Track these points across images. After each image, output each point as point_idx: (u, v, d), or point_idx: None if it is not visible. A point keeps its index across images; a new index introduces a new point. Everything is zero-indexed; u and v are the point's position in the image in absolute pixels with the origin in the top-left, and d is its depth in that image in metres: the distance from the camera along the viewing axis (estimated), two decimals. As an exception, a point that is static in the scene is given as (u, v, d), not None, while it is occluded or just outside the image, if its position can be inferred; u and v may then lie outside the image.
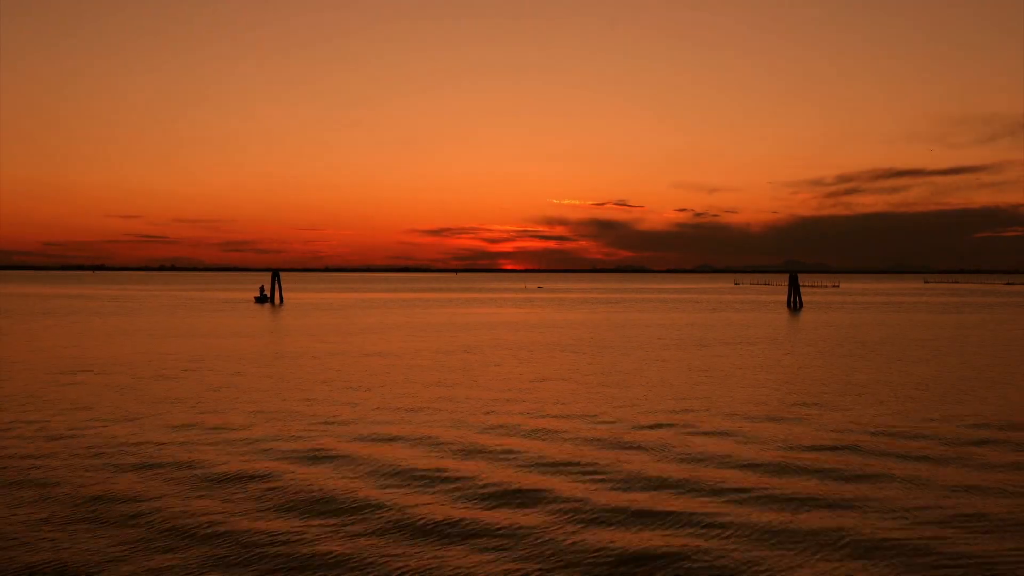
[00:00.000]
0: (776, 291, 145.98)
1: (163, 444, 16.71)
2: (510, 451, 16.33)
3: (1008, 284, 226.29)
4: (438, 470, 14.72)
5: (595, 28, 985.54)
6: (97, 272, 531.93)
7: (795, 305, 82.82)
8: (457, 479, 14.13)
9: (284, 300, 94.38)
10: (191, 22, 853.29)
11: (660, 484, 13.84)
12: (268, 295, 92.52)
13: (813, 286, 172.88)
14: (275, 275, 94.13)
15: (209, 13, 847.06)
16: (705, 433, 18.13)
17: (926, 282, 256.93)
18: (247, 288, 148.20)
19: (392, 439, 17.35)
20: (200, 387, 24.75)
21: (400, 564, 10.26)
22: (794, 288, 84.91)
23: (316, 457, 15.69)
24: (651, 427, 18.75)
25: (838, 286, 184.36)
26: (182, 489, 13.45)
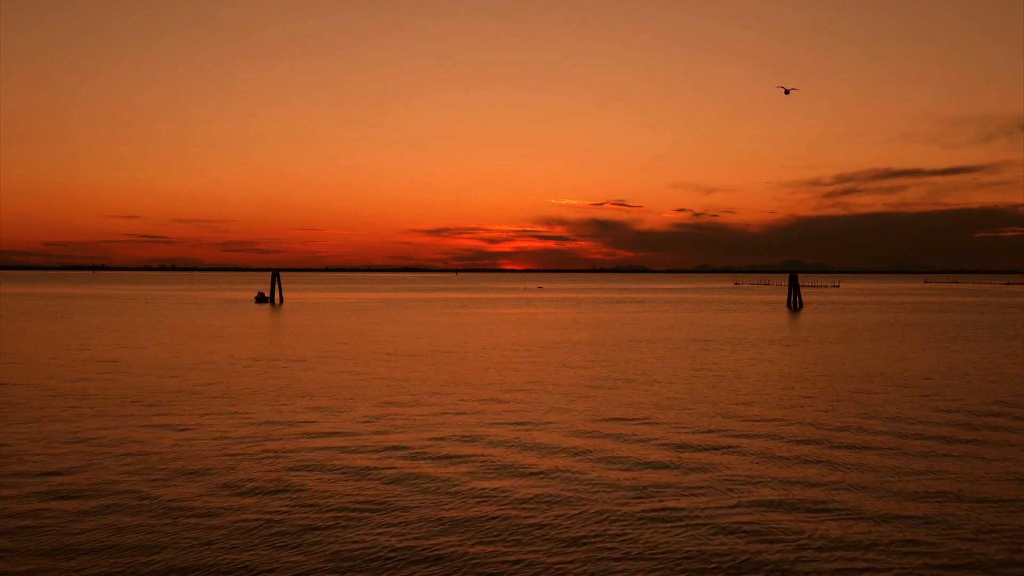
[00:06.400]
0: (776, 291, 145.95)
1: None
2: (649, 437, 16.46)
3: (1008, 284, 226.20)
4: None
5: (594, 30, 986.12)
6: (97, 272, 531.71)
7: (795, 305, 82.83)
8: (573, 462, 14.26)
9: (284, 300, 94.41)
10: (193, 26, 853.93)
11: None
12: (268, 295, 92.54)
13: (813, 286, 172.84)
14: (275, 275, 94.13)
15: (211, 17, 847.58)
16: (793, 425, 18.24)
17: (926, 282, 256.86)
18: (249, 288, 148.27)
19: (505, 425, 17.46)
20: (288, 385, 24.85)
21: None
22: (794, 288, 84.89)
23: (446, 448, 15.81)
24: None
25: (838, 286, 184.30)
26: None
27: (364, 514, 12.27)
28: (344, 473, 14.64)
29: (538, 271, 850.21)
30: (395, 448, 16.63)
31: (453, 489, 13.65)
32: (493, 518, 12.14)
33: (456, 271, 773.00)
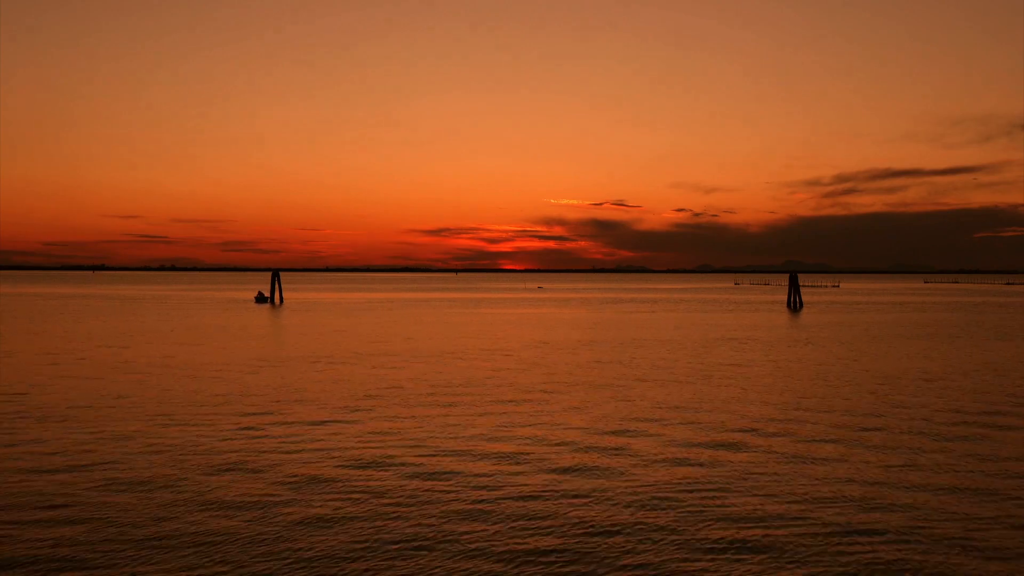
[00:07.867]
0: (776, 291, 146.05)
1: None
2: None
3: (1008, 284, 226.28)
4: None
5: (594, 30, 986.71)
6: (98, 272, 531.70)
7: (795, 305, 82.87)
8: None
9: (284, 300, 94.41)
10: (193, 26, 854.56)
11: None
12: (267, 295, 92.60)
13: (813, 286, 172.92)
14: (275, 275, 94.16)
15: (211, 17, 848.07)
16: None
17: (926, 282, 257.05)
18: (249, 288, 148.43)
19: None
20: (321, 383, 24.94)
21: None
22: (794, 288, 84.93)
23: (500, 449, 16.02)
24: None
25: (838, 286, 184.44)
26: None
27: (397, 508, 12.43)
28: (384, 468, 14.85)
29: (538, 271, 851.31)
30: (429, 445, 16.84)
31: (486, 486, 13.81)
32: (510, 514, 12.26)
33: (456, 271, 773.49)
